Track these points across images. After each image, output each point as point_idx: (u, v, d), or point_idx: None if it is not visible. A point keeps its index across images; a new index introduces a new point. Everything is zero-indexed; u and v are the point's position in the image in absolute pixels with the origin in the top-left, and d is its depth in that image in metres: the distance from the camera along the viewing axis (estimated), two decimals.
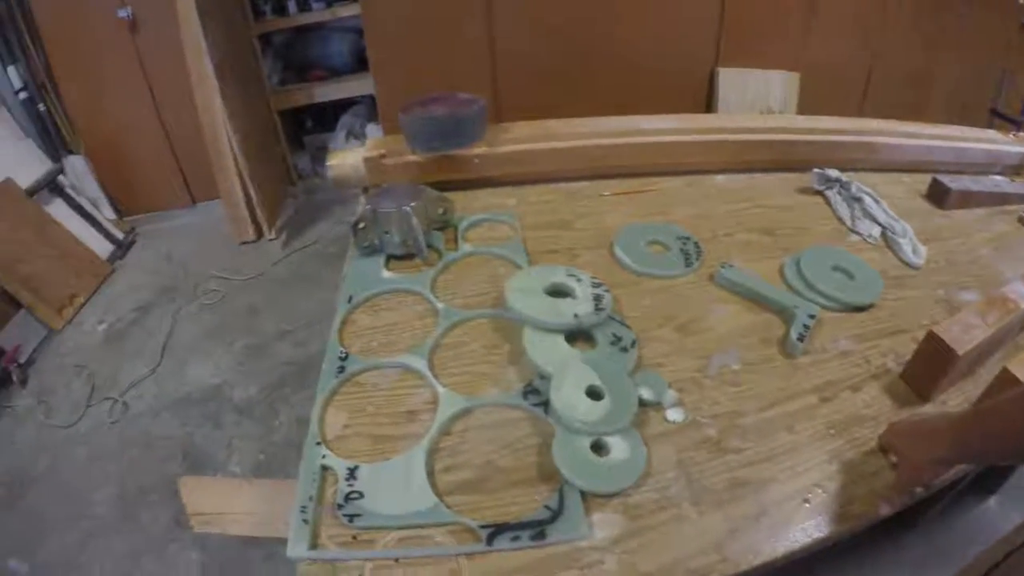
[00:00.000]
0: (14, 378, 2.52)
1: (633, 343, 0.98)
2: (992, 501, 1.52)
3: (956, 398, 0.94)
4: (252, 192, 3.21)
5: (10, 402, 2.47)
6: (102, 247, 3.28)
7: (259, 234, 3.37)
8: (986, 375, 0.95)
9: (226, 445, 2.20)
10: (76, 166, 3.36)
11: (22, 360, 2.61)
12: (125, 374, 2.55)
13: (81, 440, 2.29)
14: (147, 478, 2.11)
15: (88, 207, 3.31)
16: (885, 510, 0.77)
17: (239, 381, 2.47)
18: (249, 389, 2.42)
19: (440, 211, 1.29)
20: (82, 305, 2.98)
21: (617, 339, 0.98)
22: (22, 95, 3.17)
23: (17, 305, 2.72)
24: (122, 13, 3.02)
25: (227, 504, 1.41)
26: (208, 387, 2.46)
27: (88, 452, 2.24)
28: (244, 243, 3.36)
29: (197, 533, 1.65)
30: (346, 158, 1.43)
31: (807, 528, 0.76)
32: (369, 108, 3.78)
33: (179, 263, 3.27)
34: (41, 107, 3.23)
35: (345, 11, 3.38)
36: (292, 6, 3.42)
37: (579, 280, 1.06)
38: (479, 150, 1.41)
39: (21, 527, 2.00)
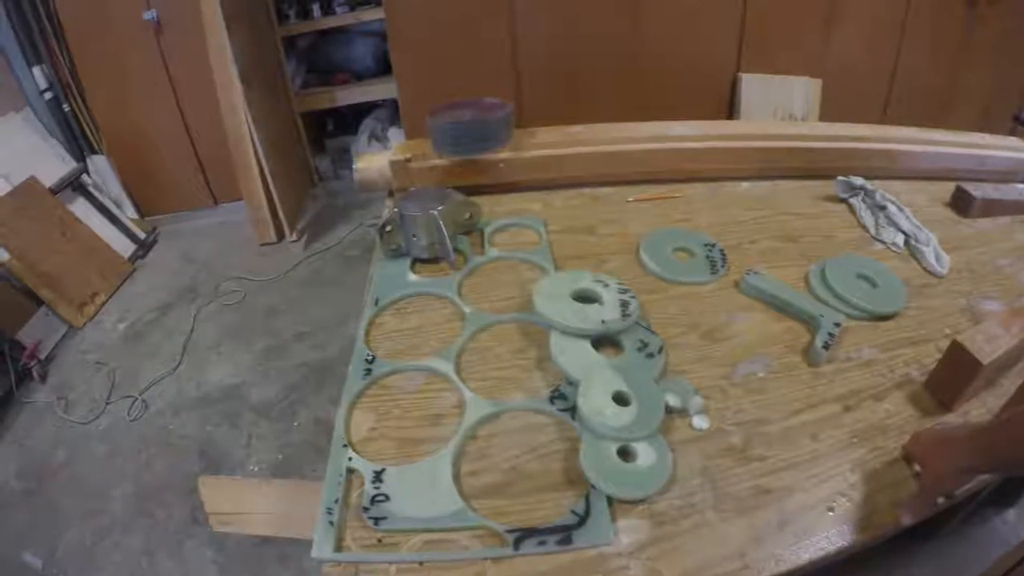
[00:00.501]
0: (34, 374, 2.55)
1: (660, 349, 0.98)
2: (1011, 514, 1.50)
3: (978, 408, 0.93)
4: (274, 194, 3.24)
5: (30, 397, 2.50)
6: (124, 246, 3.31)
7: (280, 236, 3.39)
8: (1008, 385, 0.94)
9: (244, 445, 2.21)
10: (99, 166, 3.40)
11: (42, 356, 2.65)
12: (145, 373, 2.58)
13: (99, 437, 2.31)
14: (164, 476, 2.13)
15: (111, 206, 3.35)
16: (907, 519, 0.76)
17: (258, 381, 2.49)
18: (268, 390, 2.44)
19: (466, 215, 1.30)
20: (103, 303, 3.02)
21: (644, 345, 0.98)
22: (47, 95, 3.21)
23: (39, 302, 2.76)
24: (148, 15, 3.06)
25: (246, 504, 1.42)
26: (227, 387, 2.48)
27: (106, 449, 2.26)
28: (265, 244, 3.38)
29: (213, 531, 1.66)
30: (372, 162, 1.44)
31: (831, 537, 0.75)
32: (391, 112, 3.80)
33: (200, 263, 3.31)
34: (65, 107, 3.27)
35: (368, 15, 3.40)
36: (316, 10, 3.45)
37: (606, 286, 1.06)
38: (505, 155, 1.42)
39: (38, 521, 2.02)
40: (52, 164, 3.14)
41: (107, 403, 2.44)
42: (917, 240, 1.29)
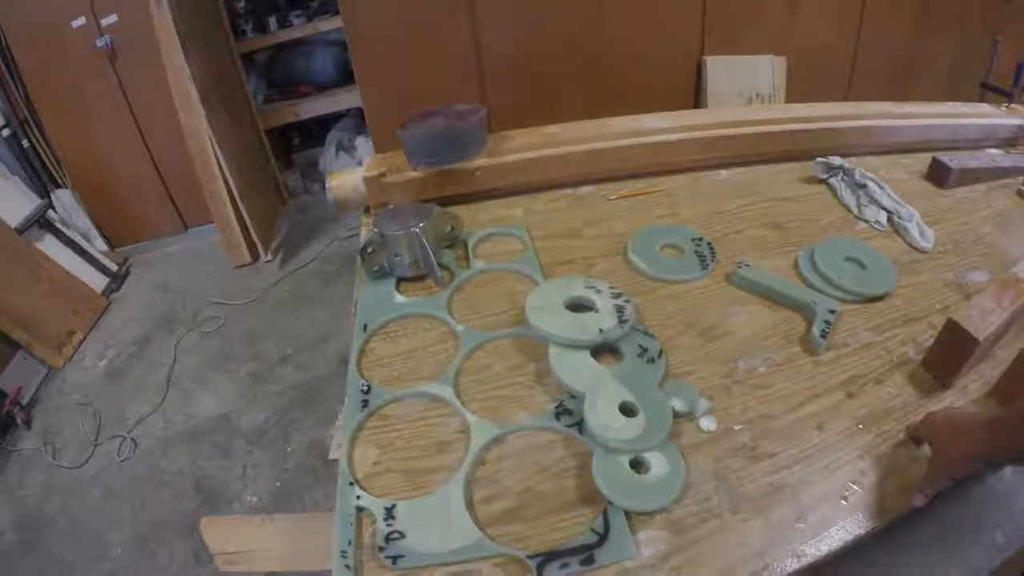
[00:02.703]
0: (18, 420, 2.50)
1: (660, 353, 0.97)
2: (1007, 471, 1.52)
3: (975, 382, 0.94)
4: (245, 214, 3.20)
5: (16, 445, 2.46)
6: (96, 280, 3.26)
7: (255, 256, 3.36)
8: (1002, 355, 0.95)
9: (240, 475, 2.19)
10: (65, 200, 3.35)
11: (24, 402, 2.60)
12: (131, 410, 2.55)
13: (92, 480, 2.28)
14: (162, 515, 2.10)
15: (80, 241, 3.29)
16: (919, 501, 0.77)
17: (246, 409, 2.46)
18: (257, 416, 2.42)
19: (448, 228, 1.28)
20: (81, 341, 2.97)
21: (643, 350, 0.97)
22: (5, 132, 3.15)
23: (15, 346, 2.70)
24: (100, 43, 3.01)
25: (250, 542, 1.40)
26: (216, 417, 2.45)
27: (100, 492, 2.23)
28: (240, 267, 3.35)
29: (219, 572, 1.63)
30: (345, 179, 1.41)
31: (847, 526, 0.75)
32: (357, 121, 3.78)
33: (176, 292, 3.26)
34: (25, 143, 3.21)
35: (326, 24, 3.39)
36: (273, 23, 3.42)
37: (598, 291, 1.05)
38: (481, 162, 1.40)
39: (39, 573, 1.99)
40: (15, 202, 3.07)
41: (95, 445, 2.41)
42: (900, 216, 1.30)
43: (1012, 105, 1.71)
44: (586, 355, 0.96)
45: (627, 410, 0.85)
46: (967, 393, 0.92)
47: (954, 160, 1.43)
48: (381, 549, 0.75)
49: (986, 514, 1.01)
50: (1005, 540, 0.88)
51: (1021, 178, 1.44)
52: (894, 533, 0.83)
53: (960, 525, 0.88)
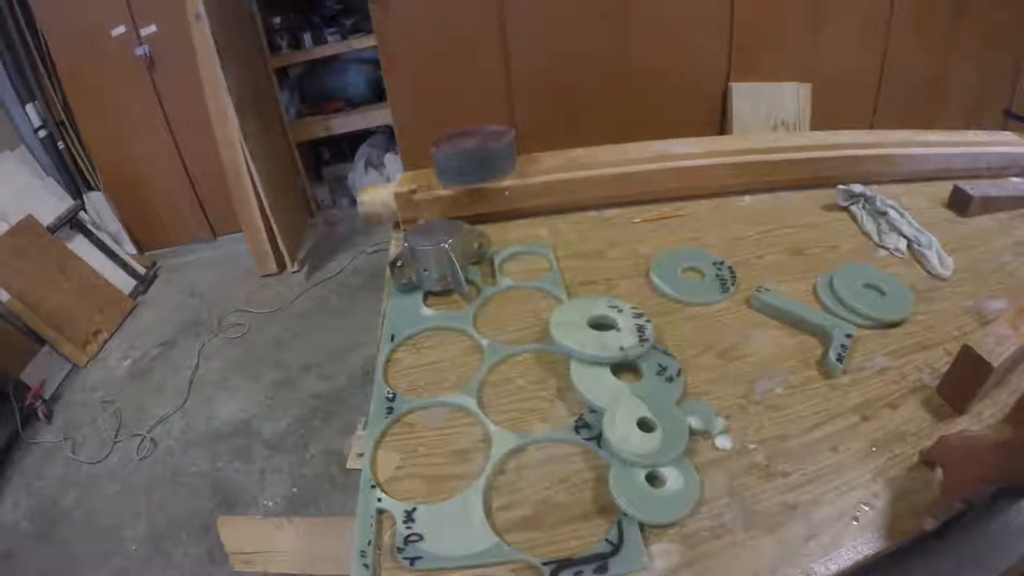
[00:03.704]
0: (40, 414, 2.55)
1: (679, 372, 0.99)
2: None
3: (990, 408, 0.94)
4: (274, 225, 3.26)
5: (36, 438, 2.51)
6: (124, 282, 3.32)
7: (281, 267, 3.41)
8: (1017, 382, 0.96)
9: (257, 480, 2.21)
10: (96, 202, 3.42)
11: (47, 396, 2.65)
12: (152, 410, 2.59)
13: (110, 476, 2.32)
14: (178, 514, 2.13)
15: (109, 243, 3.36)
16: (930, 524, 0.77)
17: (267, 415, 2.49)
18: (278, 423, 2.44)
19: (476, 245, 1.30)
20: (106, 341, 3.02)
21: (662, 369, 0.99)
22: (41, 133, 3.23)
23: (41, 341, 2.77)
24: (139, 51, 3.09)
25: (266, 543, 1.42)
26: (236, 422, 2.48)
27: (117, 489, 2.26)
28: (266, 276, 3.40)
29: (234, 571, 1.65)
30: (377, 194, 1.44)
31: (857, 546, 0.76)
32: (387, 138, 3.82)
33: (202, 297, 3.32)
34: (60, 144, 3.29)
35: (360, 43, 3.44)
36: (308, 40, 3.48)
37: (620, 311, 1.07)
38: (509, 182, 1.43)
39: (52, 564, 2.02)
40: (49, 202, 3.16)
41: (115, 442, 2.45)
42: (919, 244, 1.30)
43: None
44: (606, 372, 0.98)
45: (645, 426, 0.87)
46: (981, 419, 0.92)
47: (975, 188, 1.43)
48: (400, 550, 0.77)
49: (1004, 546, 1.00)
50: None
51: None
52: (909, 566, 0.83)
53: (977, 556, 0.88)
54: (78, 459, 2.39)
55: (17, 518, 2.19)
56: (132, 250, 3.56)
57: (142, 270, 3.46)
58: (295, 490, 2.15)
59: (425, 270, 1.19)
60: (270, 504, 2.12)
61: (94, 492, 2.26)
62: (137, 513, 2.15)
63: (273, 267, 3.38)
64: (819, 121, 2.92)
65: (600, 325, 1.06)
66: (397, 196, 1.41)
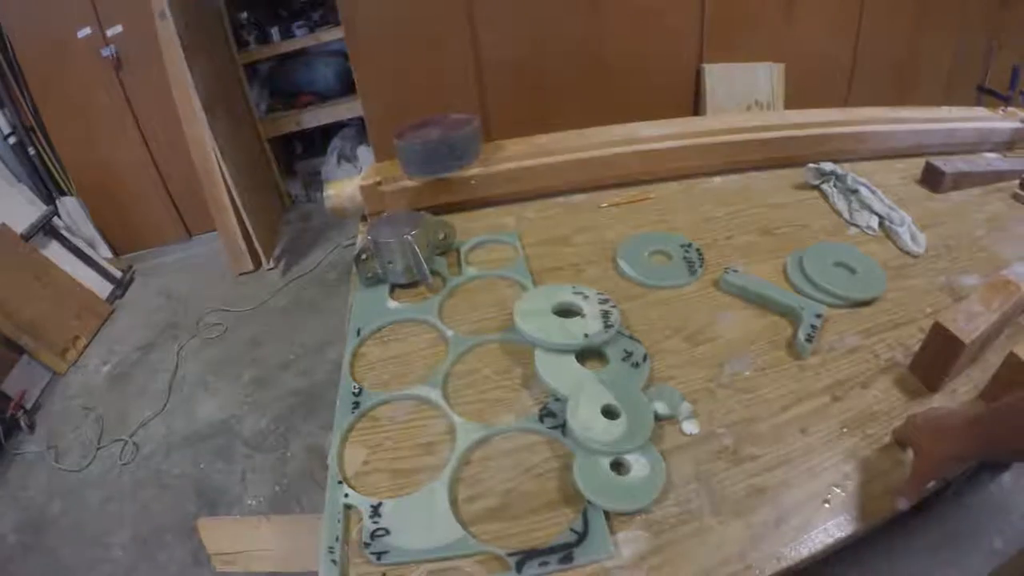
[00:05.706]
0: (22, 424, 2.52)
1: (644, 358, 0.98)
2: (1006, 478, 1.51)
3: (964, 386, 0.94)
4: (248, 222, 3.22)
5: (19, 449, 2.47)
6: (101, 287, 3.28)
7: (257, 264, 3.38)
8: (992, 359, 0.95)
9: (240, 480, 2.20)
10: (70, 207, 3.37)
11: (28, 405, 2.62)
12: (133, 414, 2.56)
13: (93, 483, 2.29)
14: (162, 518, 2.11)
15: (84, 247, 3.31)
16: (903, 504, 0.77)
17: (248, 414, 2.47)
18: (258, 422, 2.43)
19: (441, 236, 1.29)
20: (85, 347, 2.98)
21: (628, 354, 0.98)
22: (11, 139, 3.18)
23: (19, 351, 2.72)
24: (106, 52, 3.04)
25: (247, 543, 1.41)
26: (217, 422, 2.46)
27: (101, 495, 2.24)
28: (242, 274, 3.36)
29: (216, 572, 1.64)
30: (343, 188, 1.43)
31: (828, 529, 0.76)
32: (358, 130, 3.80)
33: (179, 299, 3.28)
34: (31, 150, 3.24)
35: (328, 35, 3.41)
36: (275, 34, 3.44)
37: (586, 297, 1.06)
38: (475, 171, 1.42)
39: (41, 574, 2.00)
40: (21, 209, 3.10)
41: (98, 448, 2.42)
42: (891, 221, 1.30)
43: (1008, 109, 1.71)
44: (571, 359, 0.97)
45: (609, 413, 0.87)
46: (955, 397, 0.93)
47: (948, 164, 1.43)
48: (367, 545, 0.76)
49: (985, 520, 1.02)
50: (1004, 545, 0.88)
51: (1016, 181, 1.44)
52: (893, 539, 0.83)
53: (959, 531, 0.88)
54: (62, 468, 2.36)
55: (4, 531, 2.16)
56: (107, 254, 3.51)
57: (118, 274, 3.42)
58: (278, 488, 2.14)
59: (390, 263, 1.18)
60: (254, 503, 2.11)
61: (79, 500, 2.23)
62: (122, 518, 2.13)
63: (249, 265, 3.34)
64: (793, 101, 2.91)
65: (565, 312, 1.05)
66: (363, 189, 1.39)
